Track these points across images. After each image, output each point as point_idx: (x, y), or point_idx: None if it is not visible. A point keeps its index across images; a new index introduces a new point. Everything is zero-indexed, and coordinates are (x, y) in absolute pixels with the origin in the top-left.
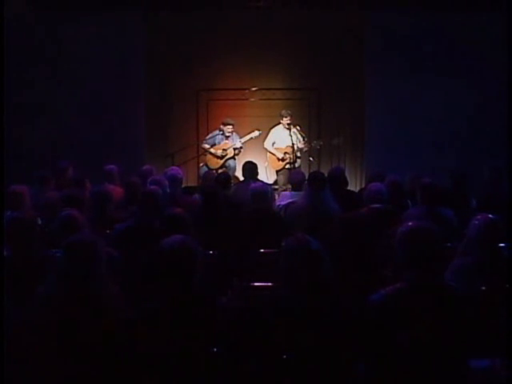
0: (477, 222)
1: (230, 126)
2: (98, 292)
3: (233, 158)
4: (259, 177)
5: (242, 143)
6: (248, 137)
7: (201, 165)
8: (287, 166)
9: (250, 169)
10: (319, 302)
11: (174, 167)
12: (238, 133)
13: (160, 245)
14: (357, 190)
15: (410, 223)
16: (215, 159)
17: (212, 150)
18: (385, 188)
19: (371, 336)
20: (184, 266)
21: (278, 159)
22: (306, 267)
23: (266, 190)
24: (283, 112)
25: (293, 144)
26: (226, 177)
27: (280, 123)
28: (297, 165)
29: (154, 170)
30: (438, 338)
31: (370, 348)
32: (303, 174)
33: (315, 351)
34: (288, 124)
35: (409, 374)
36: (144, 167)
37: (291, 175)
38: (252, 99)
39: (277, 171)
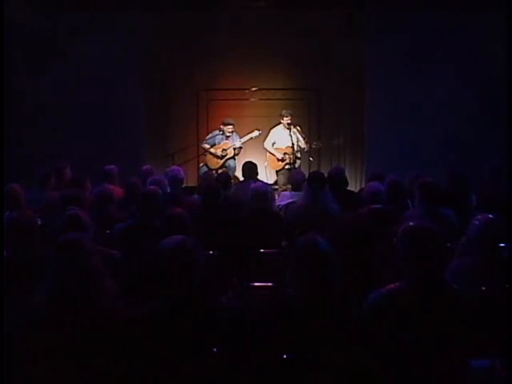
0: (477, 223)
1: (231, 126)
2: (98, 292)
3: (233, 158)
4: (259, 177)
5: (242, 143)
6: (248, 137)
7: (201, 165)
8: (287, 167)
9: (250, 169)
10: (325, 303)
11: (175, 167)
12: (238, 133)
13: (159, 245)
14: (357, 190)
15: (411, 223)
16: (215, 159)
17: (212, 150)
18: (383, 188)
19: (370, 335)
20: (184, 266)
21: (278, 159)
22: (314, 267)
23: (266, 190)
24: (283, 112)
25: (292, 144)
26: (226, 177)
27: (280, 123)
28: (296, 165)
29: (153, 170)
30: (438, 338)
31: (369, 347)
32: (303, 174)
33: (319, 350)
34: (288, 124)
35: (408, 374)
36: (144, 167)
37: (291, 175)
38: (252, 99)
39: (277, 171)
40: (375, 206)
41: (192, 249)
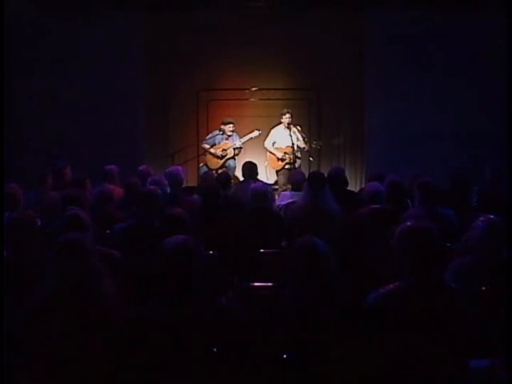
0: (480, 224)
1: (231, 125)
2: (98, 292)
3: (233, 158)
4: (259, 177)
5: (242, 143)
6: (248, 137)
7: (201, 165)
8: (287, 166)
9: (250, 169)
10: (324, 303)
11: (175, 167)
12: (238, 133)
13: (162, 245)
14: (357, 190)
15: (409, 223)
16: (215, 159)
17: (212, 150)
18: (383, 188)
19: (370, 335)
20: (186, 266)
21: (278, 159)
22: (313, 269)
23: (266, 190)
24: (284, 110)
25: (292, 144)
26: (226, 177)
27: (281, 123)
28: (297, 165)
29: (150, 170)
30: (437, 338)
31: (369, 347)
32: (303, 174)
33: (319, 351)
34: (288, 123)
35: (408, 374)
36: (140, 167)
37: (291, 175)
38: (252, 99)
39: (277, 171)
40: (375, 206)
41: (194, 249)
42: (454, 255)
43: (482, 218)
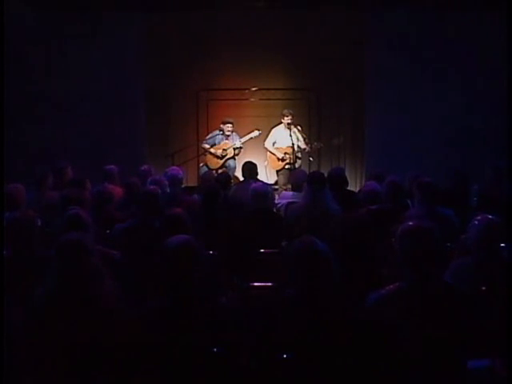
0: (477, 223)
1: (230, 125)
2: (98, 292)
3: (233, 157)
4: (259, 177)
5: (242, 143)
6: (248, 137)
7: (201, 165)
8: (287, 166)
9: (250, 169)
10: (324, 303)
11: (174, 167)
12: (237, 133)
13: (164, 244)
14: (357, 190)
15: (410, 223)
16: (215, 159)
17: (212, 150)
18: (380, 187)
19: (371, 335)
20: (187, 265)
21: (278, 159)
22: (313, 268)
23: (267, 190)
24: (285, 111)
25: (293, 144)
26: (225, 177)
27: (281, 123)
28: (297, 165)
29: (152, 170)
30: (437, 338)
31: (369, 347)
32: (304, 174)
33: (319, 351)
34: (288, 124)
35: (408, 374)
36: (142, 167)
37: (291, 175)
38: (252, 99)
39: (277, 171)
40: (375, 205)
41: (196, 249)
42: (454, 255)
43: (478, 218)
